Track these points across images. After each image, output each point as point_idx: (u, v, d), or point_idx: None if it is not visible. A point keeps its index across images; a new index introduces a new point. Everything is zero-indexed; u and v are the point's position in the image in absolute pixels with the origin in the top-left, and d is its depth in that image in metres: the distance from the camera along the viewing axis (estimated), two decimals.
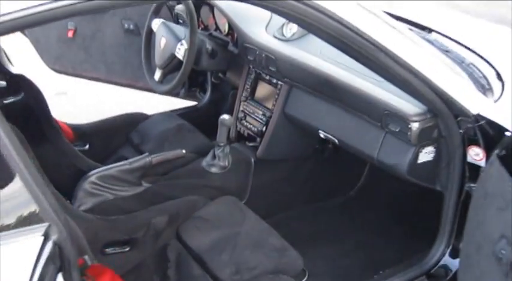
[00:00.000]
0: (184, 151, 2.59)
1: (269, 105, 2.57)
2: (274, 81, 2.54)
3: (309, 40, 2.42)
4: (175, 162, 2.59)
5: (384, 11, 2.05)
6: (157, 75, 2.77)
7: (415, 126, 1.94)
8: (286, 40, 2.46)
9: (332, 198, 2.93)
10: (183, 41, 2.59)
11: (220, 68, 2.82)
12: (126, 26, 3.35)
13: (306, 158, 2.74)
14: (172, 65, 2.69)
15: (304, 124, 2.45)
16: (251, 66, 2.66)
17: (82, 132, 2.93)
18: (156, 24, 2.75)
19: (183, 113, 3.33)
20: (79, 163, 2.52)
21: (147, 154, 2.48)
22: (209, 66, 2.76)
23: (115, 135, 3.00)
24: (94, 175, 2.37)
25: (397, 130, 2.01)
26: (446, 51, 2.34)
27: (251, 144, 2.71)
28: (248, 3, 1.58)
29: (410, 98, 1.96)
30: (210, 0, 2.71)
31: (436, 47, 2.30)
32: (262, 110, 2.60)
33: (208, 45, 2.65)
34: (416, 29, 2.61)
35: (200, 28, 2.92)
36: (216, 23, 2.83)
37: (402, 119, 1.97)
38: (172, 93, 3.53)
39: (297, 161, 2.73)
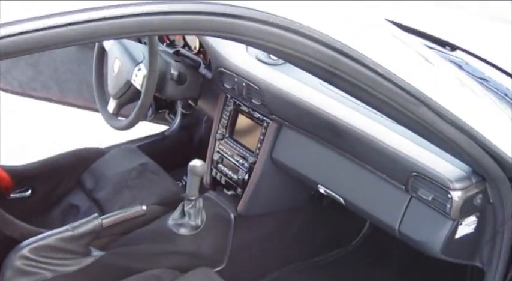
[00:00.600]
0: (144, 208, 1.99)
1: (252, 146, 1.98)
2: (259, 116, 1.94)
3: None
4: (135, 220, 2.00)
5: (390, 20, 1.47)
6: (111, 106, 2.17)
7: (457, 195, 1.37)
8: (274, 64, 1.87)
9: (330, 251, 2.36)
10: (142, 65, 1.99)
11: (190, 96, 2.22)
12: None
13: (299, 208, 2.16)
14: (128, 94, 2.09)
15: (299, 175, 1.87)
16: (228, 96, 2.07)
17: (22, 176, 2.31)
18: (109, 42, 2.14)
19: (148, 143, 2.74)
20: (8, 229, 1.91)
21: (95, 215, 1.88)
22: (176, 94, 2.16)
23: (63, 177, 2.40)
24: (27, 247, 1.77)
25: (429, 198, 1.44)
26: (482, 80, 1.77)
27: (230, 192, 2.12)
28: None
29: (447, 154, 1.39)
30: None
31: (471, 76, 1.73)
32: (243, 153, 2.01)
33: (174, 70, 2.04)
34: (436, 46, 2.04)
35: (165, 44, 2.32)
36: (184, 38, 2.23)
37: (438, 185, 1.40)
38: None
39: (287, 213, 2.14)
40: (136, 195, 2.21)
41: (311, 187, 1.89)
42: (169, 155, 2.72)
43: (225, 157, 2.08)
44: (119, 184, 2.28)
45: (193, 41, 2.20)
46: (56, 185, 2.38)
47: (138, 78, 2.00)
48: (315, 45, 0.99)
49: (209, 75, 2.10)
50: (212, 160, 2.14)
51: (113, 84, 2.13)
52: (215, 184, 2.16)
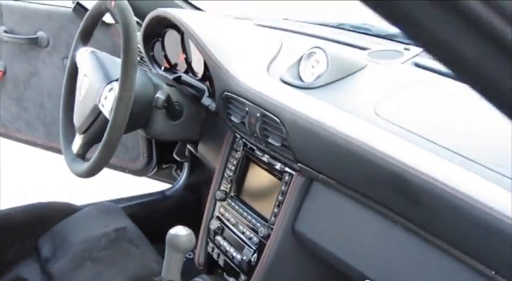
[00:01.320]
0: None
1: (267, 212, 1.27)
2: (278, 166, 1.25)
3: (350, 87, 1.16)
4: None
5: None
6: (76, 144, 1.51)
7: None
8: (306, 87, 1.19)
9: None
10: (115, 84, 1.35)
11: (186, 137, 1.54)
12: None
13: None
14: (96, 127, 1.44)
15: (335, 261, 1.13)
16: (238, 137, 1.39)
17: None
18: (82, 55, 1.52)
19: (140, 204, 2.07)
20: None
21: None
22: (167, 132, 1.49)
23: (17, 239, 1.73)
24: None
25: None
26: None
27: (231, 280, 1.40)
28: None
29: None
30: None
31: None
32: (252, 221, 1.30)
33: (160, 95, 1.39)
34: None
35: (162, 68, 1.68)
36: (187, 60, 1.58)
37: None
38: (139, 174, 2.31)
39: None
40: (101, 272, 1.52)
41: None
42: (167, 221, 2.03)
43: (227, 227, 1.37)
44: (82, 254, 1.60)
45: (198, 63, 1.56)
46: (6, 248, 1.71)
47: (108, 101, 1.35)
48: None
49: (213, 106, 1.43)
50: (208, 230, 1.43)
51: (78, 113, 1.49)
52: (211, 264, 1.45)
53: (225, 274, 1.41)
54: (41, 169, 3.21)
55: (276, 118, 1.15)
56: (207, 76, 1.51)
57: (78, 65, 1.54)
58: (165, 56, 1.66)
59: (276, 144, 1.18)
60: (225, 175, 1.39)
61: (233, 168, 1.37)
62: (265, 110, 1.18)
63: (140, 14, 1.80)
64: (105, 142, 1.30)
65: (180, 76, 1.61)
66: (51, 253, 1.65)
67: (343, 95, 1.15)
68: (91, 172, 1.38)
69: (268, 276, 1.24)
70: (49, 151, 2.41)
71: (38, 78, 2.29)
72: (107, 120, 1.35)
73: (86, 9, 2.02)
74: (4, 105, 2.42)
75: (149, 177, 2.34)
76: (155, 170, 2.28)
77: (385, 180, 0.93)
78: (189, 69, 1.58)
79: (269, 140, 1.20)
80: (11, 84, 2.36)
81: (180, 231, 1.19)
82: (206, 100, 1.47)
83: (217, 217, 1.40)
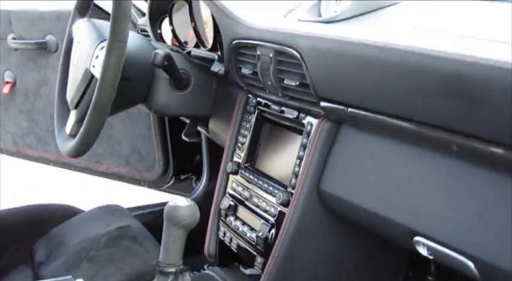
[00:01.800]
0: None
1: (286, 178, 1.02)
2: (298, 116, 1.01)
3: (379, 20, 0.94)
4: None
5: None
6: (70, 123, 1.31)
7: None
8: (326, 21, 0.97)
9: None
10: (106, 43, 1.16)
11: (195, 112, 1.33)
12: None
13: None
14: (89, 96, 1.23)
15: (373, 222, 0.88)
16: (250, 97, 1.16)
17: None
18: (78, 25, 1.34)
19: (155, 212, 1.84)
20: None
21: None
22: (173, 104, 1.28)
23: (11, 245, 1.52)
24: None
25: None
26: None
27: (249, 271, 1.14)
28: None
29: None
30: None
31: None
32: (270, 189, 1.05)
33: (160, 50, 1.18)
34: None
35: (172, 45, 1.49)
36: (198, 34, 1.38)
37: None
38: (154, 186, 2.10)
39: None
40: (98, 272, 1.28)
41: (399, 245, 0.90)
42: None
43: (241, 203, 1.12)
44: (78, 255, 1.36)
45: (208, 32, 1.36)
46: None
47: (99, 60, 1.15)
48: None
49: (223, 70, 1.22)
50: (219, 212, 1.18)
51: (70, 87, 1.29)
52: (224, 254, 1.19)
53: (240, 266, 1.16)
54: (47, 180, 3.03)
55: (292, 50, 0.93)
56: (217, 45, 1.31)
57: (74, 37, 1.36)
58: (173, 31, 1.47)
59: (294, 83, 0.95)
60: (238, 143, 1.16)
61: (246, 133, 1.14)
62: (279, 44, 0.96)
63: None
64: (94, 104, 1.09)
65: (189, 52, 1.41)
66: (46, 257, 1.43)
67: (370, 26, 0.93)
68: (80, 146, 1.17)
69: (289, 254, 0.98)
70: (62, 167, 2.23)
71: (47, 87, 2.14)
72: None
73: (97, 7, 1.87)
74: (15, 120, 2.27)
75: (167, 190, 2.12)
76: (173, 180, 2.06)
77: (433, 85, 0.69)
78: (199, 41, 1.39)
79: (285, 83, 0.97)
80: (21, 96, 2.22)
81: (180, 202, 0.96)
82: (215, 66, 1.27)
83: (229, 194, 1.16)
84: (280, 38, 0.96)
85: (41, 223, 1.54)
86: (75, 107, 1.27)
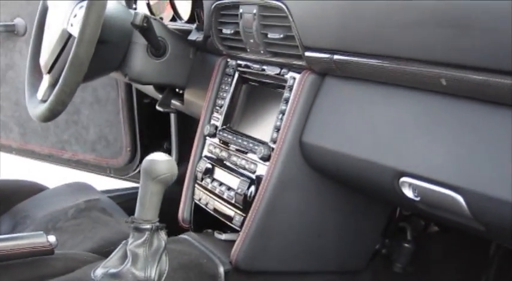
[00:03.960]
0: (52, 239, 1.00)
1: (266, 135, 1.00)
2: (280, 72, 0.99)
3: None
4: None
5: None
6: (42, 88, 1.26)
7: None
8: None
9: None
10: (84, 2, 1.12)
11: (171, 81, 1.29)
12: None
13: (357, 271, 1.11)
14: (65, 57, 1.18)
15: (358, 168, 0.86)
16: (229, 61, 1.14)
17: None
18: None
19: (131, 194, 1.77)
20: None
21: None
22: (149, 72, 1.25)
23: None
24: None
25: None
26: None
27: (224, 236, 1.10)
28: None
29: None
30: None
31: None
32: (249, 146, 1.03)
33: (140, 11, 1.15)
34: None
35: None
36: (174, 7, 1.36)
37: None
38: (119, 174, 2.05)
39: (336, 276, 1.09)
40: (66, 241, 1.22)
41: (385, 193, 0.88)
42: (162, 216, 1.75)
43: (218, 165, 1.09)
44: (45, 226, 1.29)
45: (184, 9, 1.34)
46: None
47: (77, 19, 1.11)
48: None
49: (201, 37, 1.20)
50: (195, 177, 1.15)
51: (44, 51, 1.24)
52: (198, 219, 1.15)
53: (216, 233, 1.12)
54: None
55: (277, 3, 0.92)
56: (194, 17, 1.29)
57: (49, 6, 1.32)
58: (148, 5, 1.44)
59: (278, 36, 0.94)
60: (216, 106, 1.13)
61: (225, 95, 1.11)
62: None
63: None
64: (71, 61, 1.05)
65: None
66: (10, 230, 1.35)
67: None
68: (54, 107, 1.12)
69: (269, 209, 0.95)
70: (24, 156, 2.14)
71: (14, 71, 2.06)
72: None
73: None
74: None
75: (131, 180, 2.05)
76: (139, 168, 2.00)
77: (427, 16, 0.68)
78: (175, 13, 1.36)
79: (269, 37, 0.96)
80: None
81: (158, 156, 0.92)
82: (193, 35, 1.24)
83: (206, 157, 1.13)
84: None
85: (5, 198, 1.46)
86: (49, 71, 1.22)
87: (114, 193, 1.74)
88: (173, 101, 1.37)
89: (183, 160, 1.90)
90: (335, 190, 0.97)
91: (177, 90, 1.37)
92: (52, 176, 2.13)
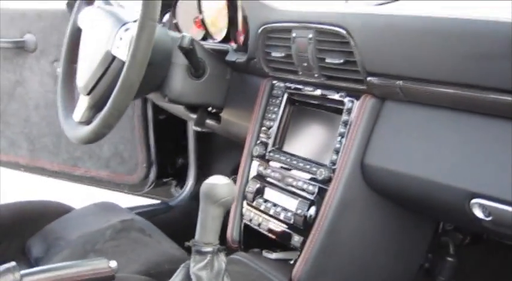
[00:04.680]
0: (113, 265, 1.00)
1: (323, 156, 1.02)
2: (337, 96, 1.01)
3: None
4: None
5: None
6: (80, 109, 1.25)
7: None
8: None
9: None
10: (131, 24, 1.13)
11: (209, 101, 1.31)
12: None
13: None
14: (108, 78, 1.18)
15: (423, 190, 0.89)
16: (275, 83, 1.16)
17: None
18: (87, 13, 1.30)
19: (141, 213, 1.77)
20: None
21: (12, 265, 0.88)
22: (189, 93, 1.26)
23: (1, 242, 1.42)
24: None
25: None
26: None
27: (274, 255, 1.11)
28: None
29: None
30: None
31: None
32: (306, 167, 1.05)
33: (185, 39, 1.16)
34: None
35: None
36: (205, 26, 1.37)
37: None
38: (134, 190, 2.04)
39: None
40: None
41: (451, 212, 0.91)
42: (171, 234, 1.75)
43: (270, 184, 1.11)
44: (83, 247, 1.29)
45: (218, 28, 1.35)
46: None
47: (124, 41, 1.12)
48: None
49: (242, 58, 1.21)
50: (244, 196, 1.16)
51: (82, 72, 1.24)
52: (247, 240, 1.16)
53: (264, 252, 1.13)
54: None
55: (338, 29, 0.94)
56: (228, 38, 1.30)
57: (82, 26, 1.32)
58: (176, 25, 1.45)
59: (338, 62, 0.96)
60: (263, 127, 1.14)
61: (274, 117, 1.13)
62: (321, 24, 0.97)
63: None
64: (122, 84, 1.05)
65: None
66: (44, 252, 1.34)
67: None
68: (100, 129, 1.12)
69: (330, 230, 0.97)
70: (34, 173, 2.12)
71: (23, 88, 2.04)
72: (122, 66, 1.11)
73: None
74: None
75: (145, 195, 2.05)
76: (153, 185, 2.00)
77: (496, 48, 0.72)
78: (207, 34, 1.37)
79: (327, 62, 0.98)
80: None
81: (217, 179, 0.93)
82: (232, 55, 1.26)
83: (255, 177, 1.14)
84: (325, 19, 0.97)
85: (33, 219, 1.45)
86: (89, 93, 1.22)
87: (138, 210, 1.75)
88: (208, 121, 1.38)
89: (203, 174, 1.91)
90: (390, 211, 1.00)
91: (209, 109, 1.38)
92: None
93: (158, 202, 1.93)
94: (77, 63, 1.30)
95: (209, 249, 0.95)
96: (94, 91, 1.21)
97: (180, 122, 1.87)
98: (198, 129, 1.35)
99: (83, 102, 1.25)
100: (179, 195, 1.92)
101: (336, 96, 1.01)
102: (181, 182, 2.02)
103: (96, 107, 1.24)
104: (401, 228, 1.04)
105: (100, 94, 1.21)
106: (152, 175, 1.97)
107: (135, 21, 1.11)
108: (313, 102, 1.07)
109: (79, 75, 1.25)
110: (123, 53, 1.10)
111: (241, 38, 1.26)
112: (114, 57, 1.15)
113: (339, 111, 1.00)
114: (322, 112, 1.06)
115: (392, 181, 0.93)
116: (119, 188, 2.04)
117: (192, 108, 1.41)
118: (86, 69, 1.23)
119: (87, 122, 1.24)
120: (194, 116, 1.44)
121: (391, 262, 1.05)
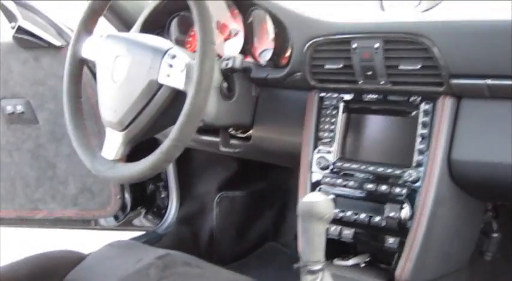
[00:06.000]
0: None
1: (403, 158, 1.07)
2: (412, 99, 1.06)
3: None
4: None
5: None
6: (114, 146, 1.16)
7: None
8: None
9: None
10: (175, 50, 1.08)
11: (240, 121, 1.29)
12: (9, 109, 1.77)
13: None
14: (153, 110, 1.11)
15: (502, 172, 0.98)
16: (323, 95, 1.18)
17: None
18: (96, 43, 1.21)
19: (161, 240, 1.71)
20: None
21: None
22: (223, 115, 1.23)
23: None
24: None
25: None
26: None
27: (351, 262, 1.14)
28: None
29: None
30: None
31: None
32: (387, 172, 1.08)
33: (236, 61, 1.14)
34: None
35: None
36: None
37: None
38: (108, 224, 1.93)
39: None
40: None
41: None
42: None
43: (341, 196, 1.12)
44: None
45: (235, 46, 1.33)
46: None
47: (176, 69, 1.06)
48: None
49: (277, 74, 1.22)
50: None
51: (115, 105, 1.15)
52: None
53: (335, 260, 1.15)
54: None
55: (417, 38, 0.99)
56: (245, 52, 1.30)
57: (91, 57, 1.22)
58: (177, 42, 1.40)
59: (413, 67, 1.01)
60: (323, 139, 1.15)
61: (332, 127, 1.14)
62: (391, 33, 1.01)
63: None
64: (189, 113, 1.00)
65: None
66: None
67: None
68: (159, 165, 1.06)
69: (429, 227, 1.02)
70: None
71: None
72: (169, 98, 1.06)
73: (30, 33, 1.67)
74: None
75: (120, 228, 1.93)
76: (130, 215, 1.89)
77: None
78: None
79: (400, 68, 1.02)
80: None
81: (315, 197, 0.94)
82: (259, 72, 1.25)
83: (321, 190, 1.15)
84: (397, 28, 1.01)
85: (51, 273, 1.31)
86: (125, 129, 1.14)
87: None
88: (234, 141, 1.35)
89: (187, 194, 1.85)
90: (473, 204, 1.08)
91: (230, 130, 1.35)
92: None
93: (142, 233, 1.84)
94: (94, 98, 1.21)
95: (319, 267, 0.95)
96: (131, 125, 1.13)
97: (153, 145, 1.80)
98: (229, 150, 1.32)
99: (115, 138, 1.16)
100: (164, 221, 1.84)
101: (412, 99, 1.05)
102: (159, 207, 1.94)
103: (133, 141, 1.16)
104: (475, 217, 1.13)
105: (140, 127, 1.13)
106: (128, 204, 1.87)
107: (172, 48, 1.07)
108: (374, 108, 1.11)
109: (107, 112, 1.16)
110: (178, 80, 1.04)
111: (268, 54, 1.26)
112: (160, 87, 1.08)
113: (405, 114, 1.05)
114: (384, 117, 1.10)
115: (478, 171, 1.00)
116: (89, 225, 1.90)
117: (208, 130, 1.37)
118: (119, 104, 1.14)
119: (122, 159, 1.16)
120: (207, 138, 1.41)
121: (466, 247, 1.14)
